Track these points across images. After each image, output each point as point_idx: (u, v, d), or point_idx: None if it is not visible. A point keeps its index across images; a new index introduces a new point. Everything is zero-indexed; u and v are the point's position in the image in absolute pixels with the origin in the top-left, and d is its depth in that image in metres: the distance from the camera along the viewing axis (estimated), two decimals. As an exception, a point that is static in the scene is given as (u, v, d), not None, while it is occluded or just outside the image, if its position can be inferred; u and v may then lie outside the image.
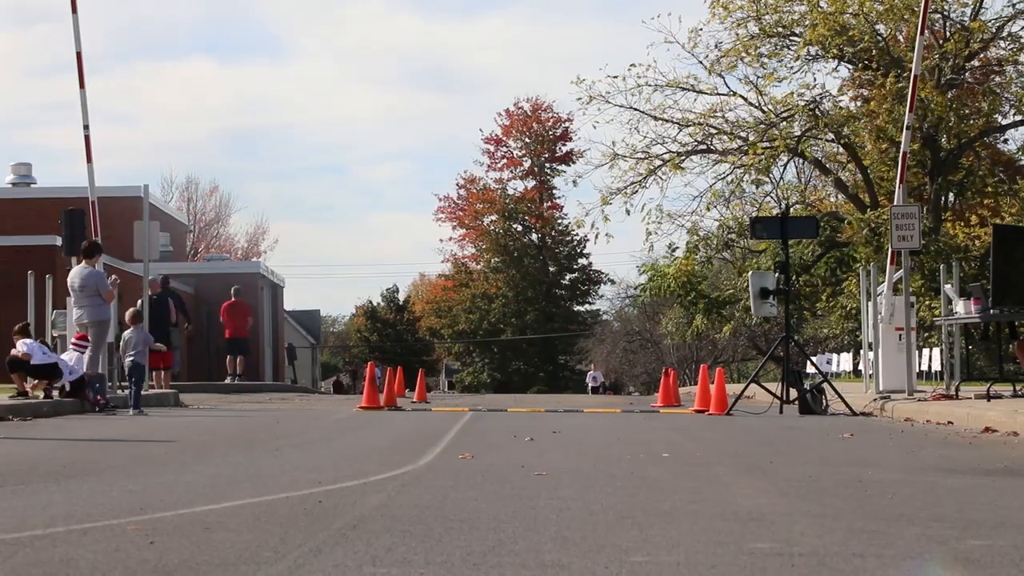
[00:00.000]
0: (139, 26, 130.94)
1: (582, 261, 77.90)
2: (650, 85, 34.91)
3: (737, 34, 34.03)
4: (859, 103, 36.41)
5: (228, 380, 30.26)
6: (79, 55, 20.13)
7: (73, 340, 18.44)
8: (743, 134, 35.04)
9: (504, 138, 75.76)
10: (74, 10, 20.03)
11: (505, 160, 75.93)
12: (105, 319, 18.64)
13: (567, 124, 72.63)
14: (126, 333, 18.42)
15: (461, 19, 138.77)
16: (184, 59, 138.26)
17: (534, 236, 77.39)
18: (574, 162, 69.91)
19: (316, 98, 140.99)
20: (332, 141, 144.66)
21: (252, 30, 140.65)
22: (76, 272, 18.62)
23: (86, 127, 20.39)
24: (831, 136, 35.23)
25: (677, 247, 36.44)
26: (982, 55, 34.94)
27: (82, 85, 20.22)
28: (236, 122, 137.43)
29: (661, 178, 35.37)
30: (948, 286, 18.57)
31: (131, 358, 17.91)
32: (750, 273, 21.60)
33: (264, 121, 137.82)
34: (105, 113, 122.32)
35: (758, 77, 34.47)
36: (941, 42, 33.36)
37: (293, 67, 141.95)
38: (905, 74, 28.29)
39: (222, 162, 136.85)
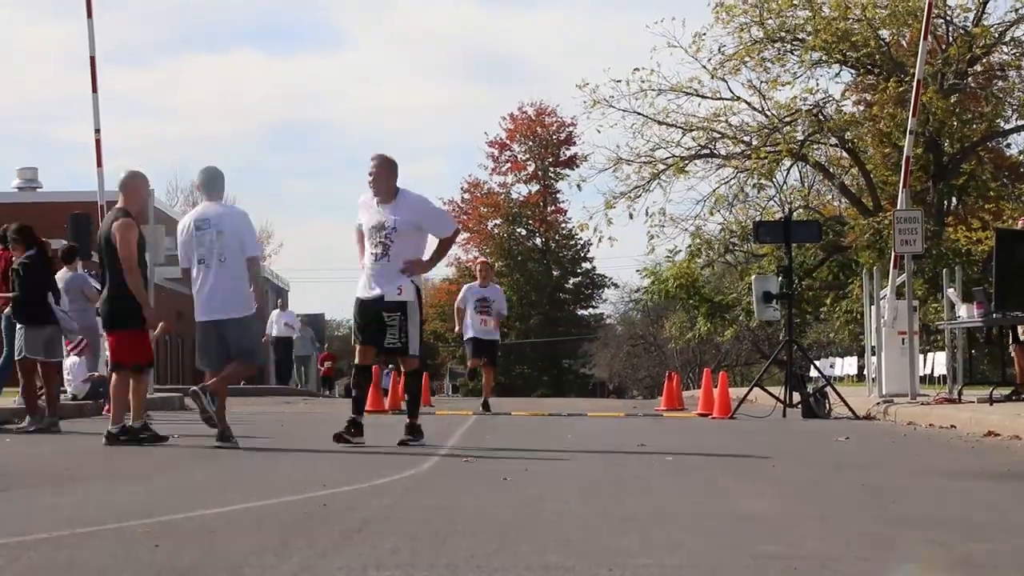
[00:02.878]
0: (192, 15, 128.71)
1: (586, 265, 77.85)
2: (654, 89, 34.93)
3: (740, 38, 34.04)
4: (862, 108, 36.42)
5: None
6: (92, 59, 20.16)
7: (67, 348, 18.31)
8: (746, 138, 35.04)
9: (508, 142, 75.79)
10: (89, 15, 20.04)
11: (509, 164, 75.96)
12: (94, 324, 18.59)
13: (571, 128, 72.60)
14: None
15: (522, 7, 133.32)
16: (232, 51, 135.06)
17: (538, 240, 77.38)
18: (578, 166, 69.90)
19: (364, 91, 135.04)
20: (375, 135, 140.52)
21: (305, 18, 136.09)
22: (59, 278, 18.44)
23: (97, 131, 20.40)
24: (834, 141, 35.23)
25: (679, 251, 36.45)
26: (985, 60, 34.94)
27: (95, 89, 20.25)
28: (280, 116, 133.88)
29: (664, 182, 35.38)
30: (951, 290, 18.57)
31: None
32: (753, 277, 21.60)
33: (308, 115, 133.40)
34: (149, 107, 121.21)
35: (761, 82, 34.50)
36: (944, 47, 33.36)
37: (344, 58, 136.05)
38: (908, 79, 28.29)
39: (263, 158, 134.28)
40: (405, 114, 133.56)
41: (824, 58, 34.00)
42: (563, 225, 76.55)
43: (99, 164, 20.50)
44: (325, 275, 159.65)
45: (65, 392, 17.86)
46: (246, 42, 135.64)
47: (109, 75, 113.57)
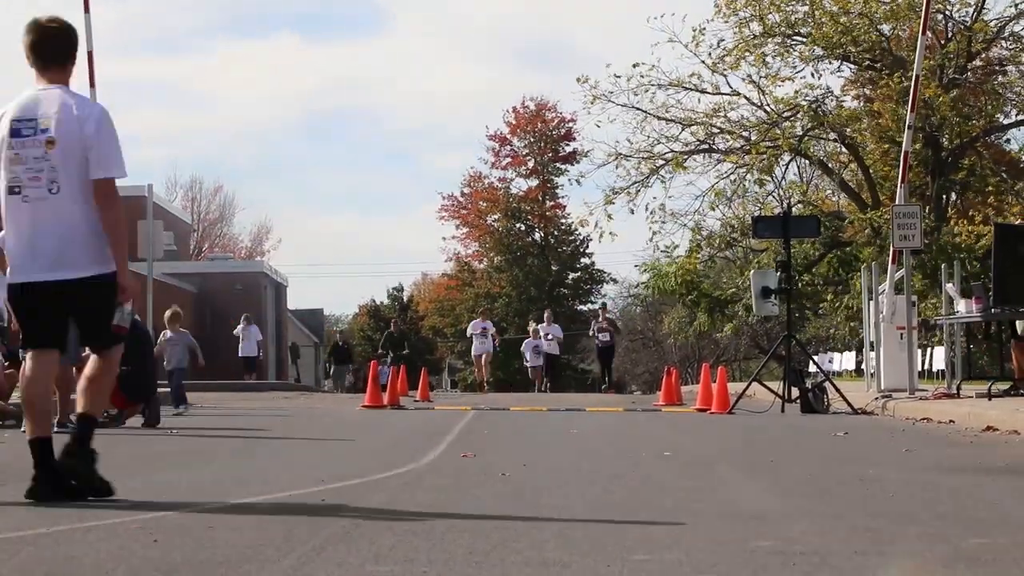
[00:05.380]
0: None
1: (585, 260, 77.85)
2: (654, 84, 34.91)
3: (740, 33, 34.01)
4: (861, 103, 36.38)
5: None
6: (90, 54, 20.19)
7: None
8: (745, 133, 35.02)
9: (509, 137, 75.79)
10: (87, 10, 20.07)
11: (509, 158, 75.96)
12: None
13: (571, 124, 72.55)
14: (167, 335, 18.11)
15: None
16: (269, 35, 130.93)
17: (537, 235, 77.38)
18: (577, 162, 69.87)
19: (403, 79, 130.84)
20: (384, 132, 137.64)
21: (343, 3, 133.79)
22: None
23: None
24: (833, 136, 35.21)
25: (677, 246, 36.45)
26: (984, 55, 34.93)
27: (92, 84, 20.28)
28: (285, 114, 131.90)
29: (664, 177, 35.37)
30: (949, 285, 18.56)
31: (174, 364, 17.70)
32: (752, 272, 21.60)
33: (344, 104, 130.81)
34: (182, 96, 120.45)
35: (761, 77, 34.47)
36: (943, 42, 33.35)
37: (385, 44, 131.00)
38: (909, 74, 28.28)
39: (297, 149, 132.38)
40: (426, 108, 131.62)
41: (824, 54, 33.97)
42: (562, 220, 76.58)
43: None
44: (325, 271, 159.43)
45: None
46: (285, 25, 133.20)
47: (136, 63, 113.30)
